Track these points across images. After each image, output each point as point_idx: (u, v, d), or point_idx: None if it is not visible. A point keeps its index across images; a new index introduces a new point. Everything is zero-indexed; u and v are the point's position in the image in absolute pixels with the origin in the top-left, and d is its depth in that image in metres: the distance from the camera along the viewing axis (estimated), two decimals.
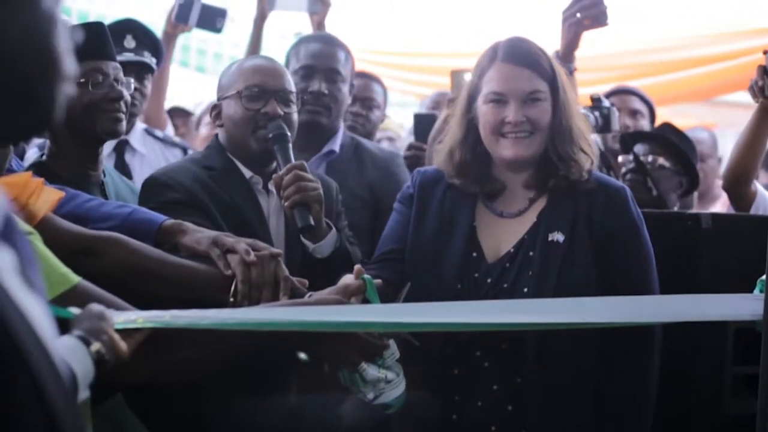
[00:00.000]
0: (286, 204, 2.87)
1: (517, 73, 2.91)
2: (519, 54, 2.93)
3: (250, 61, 3.21)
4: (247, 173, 3.03)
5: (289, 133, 2.97)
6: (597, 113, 3.96)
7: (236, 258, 2.60)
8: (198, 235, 2.66)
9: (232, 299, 2.57)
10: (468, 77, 3.61)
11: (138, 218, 2.71)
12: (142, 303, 2.23)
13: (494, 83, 2.92)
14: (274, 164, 3.02)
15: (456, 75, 3.79)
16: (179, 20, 4.78)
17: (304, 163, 2.94)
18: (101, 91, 2.96)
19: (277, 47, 8.17)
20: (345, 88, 3.82)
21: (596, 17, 3.66)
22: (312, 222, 2.86)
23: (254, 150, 3.00)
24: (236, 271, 2.58)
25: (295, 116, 3.06)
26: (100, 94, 2.95)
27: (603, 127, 3.97)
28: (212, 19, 4.82)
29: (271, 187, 3.02)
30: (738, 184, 3.84)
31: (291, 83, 3.09)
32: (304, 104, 3.68)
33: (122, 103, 2.99)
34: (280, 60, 3.50)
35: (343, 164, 3.74)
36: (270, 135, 2.95)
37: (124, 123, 3.03)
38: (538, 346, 2.82)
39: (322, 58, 3.80)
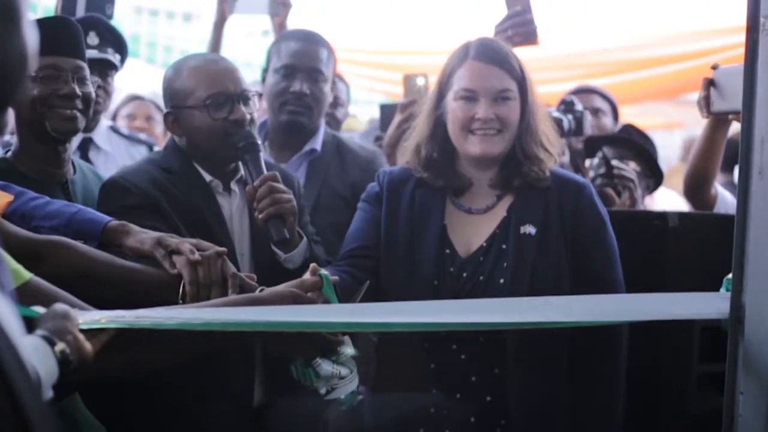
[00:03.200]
0: (260, 217, 2.84)
1: (488, 71, 2.95)
2: (490, 53, 2.98)
3: (201, 64, 3.01)
4: (207, 177, 2.98)
5: (259, 142, 2.93)
6: (570, 116, 3.99)
7: (182, 259, 2.57)
8: (142, 236, 2.63)
9: (180, 300, 2.54)
10: (421, 81, 3.67)
11: (83, 218, 2.67)
12: (90, 305, 2.19)
13: (465, 80, 2.96)
14: (233, 165, 2.99)
15: (409, 79, 3.77)
16: (66, 13, 4.62)
17: (276, 174, 2.91)
18: (51, 87, 2.87)
19: (243, 45, 8.15)
20: (326, 88, 3.77)
21: (527, 35, 3.78)
22: (287, 235, 2.85)
23: (225, 158, 2.96)
24: (183, 273, 2.55)
25: (256, 114, 3.02)
26: (49, 90, 2.87)
27: (576, 130, 4.01)
28: (101, 6, 4.61)
29: (234, 186, 3.00)
30: (698, 189, 3.87)
31: (244, 80, 3.01)
32: (285, 104, 3.65)
33: (77, 101, 2.91)
34: (255, 59, 3.38)
35: (324, 163, 3.72)
36: (240, 144, 2.90)
37: (79, 121, 2.93)
38: (515, 338, 2.84)
39: (303, 58, 3.74)
